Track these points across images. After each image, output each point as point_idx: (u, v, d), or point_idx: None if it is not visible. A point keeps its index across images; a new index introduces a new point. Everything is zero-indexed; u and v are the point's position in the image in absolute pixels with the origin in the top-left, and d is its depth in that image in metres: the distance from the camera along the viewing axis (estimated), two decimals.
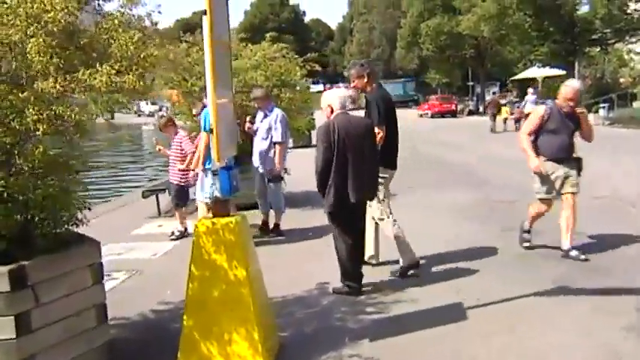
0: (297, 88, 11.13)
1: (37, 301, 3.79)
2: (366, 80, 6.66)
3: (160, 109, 42.88)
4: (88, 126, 4.05)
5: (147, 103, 69.36)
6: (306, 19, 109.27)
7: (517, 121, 31.89)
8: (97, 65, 3.70)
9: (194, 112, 9.69)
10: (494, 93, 41.62)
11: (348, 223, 5.99)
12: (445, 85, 66.67)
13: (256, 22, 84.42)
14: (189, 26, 14.76)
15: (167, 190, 10.69)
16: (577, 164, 7.07)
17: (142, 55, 4.06)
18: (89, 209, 4.39)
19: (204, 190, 7.92)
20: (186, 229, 9.01)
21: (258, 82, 9.76)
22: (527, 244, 7.51)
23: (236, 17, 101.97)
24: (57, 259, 3.98)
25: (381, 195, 6.51)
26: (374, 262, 7.00)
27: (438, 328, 5.09)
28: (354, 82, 6.77)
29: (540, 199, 7.21)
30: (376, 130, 6.22)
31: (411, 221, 9.40)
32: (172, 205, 9.55)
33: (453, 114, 49.18)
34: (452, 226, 8.95)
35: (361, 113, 6.63)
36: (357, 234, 6.12)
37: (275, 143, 8.52)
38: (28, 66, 3.67)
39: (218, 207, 4.39)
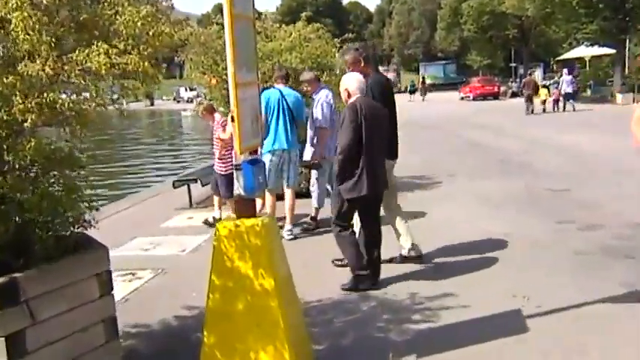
0: (337, 71, 10.51)
1: (33, 318, 3.29)
2: (362, 65, 6.30)
3: (199, 96, 42.80)
4: (91, 116, 3.49)
5: (186, 90, 69.67)
6: (344, 1, 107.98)
7: (556, 102, 30.92)
8: (95, 44, 3.13)
9: None
10: (529, 74, 40.14)
11: (374, 211, 5.84)
12: (487, 67, 65.12)
13: (294, 6, 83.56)
14: None
15: (199, 181, 10.23)
16: None
17: (150, 33, 3.49)
18: (97, 209, 3.86)
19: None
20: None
21: (293, 64, 9.19)
22: None
23: (273, 1, 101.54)
24: (57, 268, 3.46)
25: None
26: (413, 254, 6.50)
27: (494, 341, 4.44)
28: (349, 68, 6.38)
29: None
30: None
31: (453, 213, 8.78)
32: (225, 196, 8.80)
33: (496, 96, 47.77)
34: (500, 219, 8.22)
35: None
36: (379, 224, 5.90)
37: (318, 128, 7.89)
38: (16, 46, 3.14)
39: (241, 207, 3.82)
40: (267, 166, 7.13)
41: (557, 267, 6.11)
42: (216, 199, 8.95)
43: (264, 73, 8.91)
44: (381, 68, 68.85)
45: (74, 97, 3.34)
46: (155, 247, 7.82)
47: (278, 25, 10.68)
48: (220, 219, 8.46)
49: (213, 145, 8.96)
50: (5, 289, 3.17)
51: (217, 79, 9.84)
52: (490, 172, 12.32)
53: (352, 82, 5.72)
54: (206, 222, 8.80)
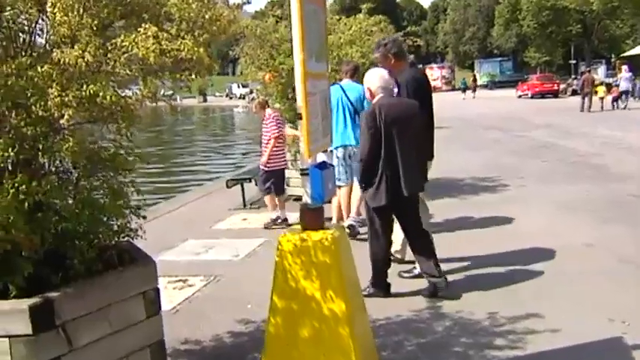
0: None
1: (71, 344, 2.85)
2: (393, 61, 5.84)
3: (251, 92, 42.59)
4: (139, 111, 3.04)
5: (238, 86, 69.84)
6: None
7: (615, 100, 29.79)
8: (142, 27, 2.66)
9: None
10: (588, 71, 38.63)
11: (409, 217, 5.42)
12: (545, 64, 63.23)
13: (347, 2, 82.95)
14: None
15: (253, 180, 9.81)
16: None
17: (207, 16, 3.01)
18: (144, 217, 3.41)
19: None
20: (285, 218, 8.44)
21: (354, 58, 8.65)
22: None
23: None
24: (98, 285, 3.02)
25: None
26: (399, 256, 6.12)
27: None
28: (381, 64, 5.92)
29: None
30: None
31: (526, 219, 8.07)
32: (261, 190, 8.78)
33: (555, 94, 46.09)
34: (579, 227, 7.50)
35: None
36: (413, 232, 5.49)
37: None
38: (53, 30, 2.70)
39: (308, 217, 3.31)
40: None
41: None
42: (276, 198, 8.61)
43: None
44: (434, 65, 67.55)
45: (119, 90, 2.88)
46: (207, 251, 7.41)
47: (338, 17, 10.15)
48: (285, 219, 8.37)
49: (261, 141, 8.65)
50: (39, 311, 2.74)
51: (273, 74, 9.41)
52: (562, 175, 11.52)
53: (374, 81, 5.29)
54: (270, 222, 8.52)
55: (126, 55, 2.70)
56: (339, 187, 7.11)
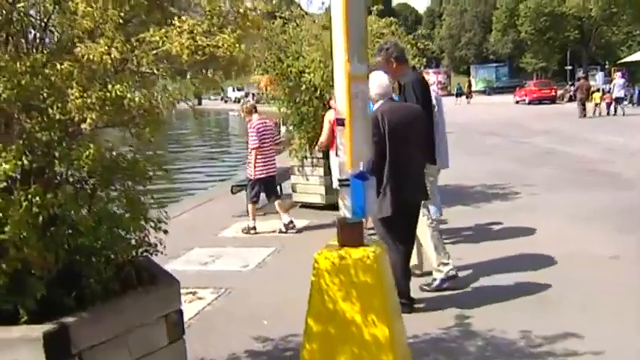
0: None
1: None
2: (395, 65, 5.67)
3: (247, 95, 42.17)
4: (163, 115, 2.73)
5: (233, 89, 69.31)
6: (393, 3, 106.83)
7: (608, 106, 29.75)
8: (179, 19, 2.37)
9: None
10: (585, 77, 38.59)
11: (406, 229, 5.12)
12: (541, 70, 63.16)
13: None
14: None
15: None
16: None
17: (240, 10, 2.71)
18: (165, 232, 3.11)
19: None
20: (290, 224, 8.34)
21: None
22: None
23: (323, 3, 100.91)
24: (116, 308, 2.72)
25: None
26: (418, 272, 5.87)
27: None
28: (383, 69, 5.66)
29: None
30: None
31: (543, 229, 7.78)
32: (249, 197, 8.62)
33: (553, 100, 45.98)
34: (601, 238, 7.20)
35: None
36: (412, 241, 5.29)
37: None
38: (74, 23, 2.40)
39: (346, 233, 3.02)
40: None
41: None
42: (276, 203, 8.54)
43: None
44: (430, 70, 67.71)
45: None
46: (214, 261, 7.10)
47: None
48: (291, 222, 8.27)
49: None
50: (54, 339, 2.43)
51: (271, 79, 9.19)
52: (572, 183, 11.23)
53: (372, 87, 4.94)
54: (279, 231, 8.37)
55: (154, 51, 2.40)
56: None
